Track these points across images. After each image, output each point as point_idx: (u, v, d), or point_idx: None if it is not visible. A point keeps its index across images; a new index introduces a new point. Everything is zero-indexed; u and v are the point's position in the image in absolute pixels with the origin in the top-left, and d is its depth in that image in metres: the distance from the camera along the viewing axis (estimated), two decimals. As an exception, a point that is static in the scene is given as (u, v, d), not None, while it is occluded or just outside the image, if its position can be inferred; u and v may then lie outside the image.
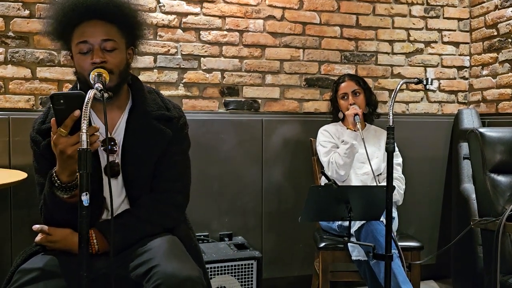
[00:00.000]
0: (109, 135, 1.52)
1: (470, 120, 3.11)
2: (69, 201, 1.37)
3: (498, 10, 3.07)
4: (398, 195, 2.48)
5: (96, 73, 1.37)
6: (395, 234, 2.22)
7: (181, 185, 1.59)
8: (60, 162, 1.28)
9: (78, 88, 1.53)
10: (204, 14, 2.83)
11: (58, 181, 1.32)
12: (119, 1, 1.48)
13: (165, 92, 2.76)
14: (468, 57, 3.34)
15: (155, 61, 2.76)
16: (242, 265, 2.41)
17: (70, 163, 1.26)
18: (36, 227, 1.46)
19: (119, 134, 1.53)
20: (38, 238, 1.47)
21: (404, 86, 3.22)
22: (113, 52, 1.46)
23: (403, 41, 3.21)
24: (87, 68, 1.42)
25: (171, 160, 1.57)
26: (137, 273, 1.36)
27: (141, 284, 1.34)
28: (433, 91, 3.29)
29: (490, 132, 2.36)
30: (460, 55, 3.33)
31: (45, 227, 1.45)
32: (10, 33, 2.52)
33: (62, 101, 1.21)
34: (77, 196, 1.35)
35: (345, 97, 2.62)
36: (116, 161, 1.51)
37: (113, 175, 1.50)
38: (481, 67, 3.24)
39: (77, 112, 1.21)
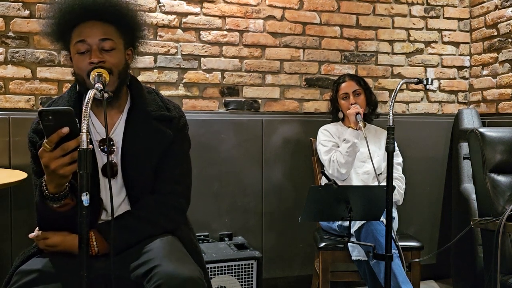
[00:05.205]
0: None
1: (470, 120, 3.11)
2: (59, 210, 1.35)
3: (498, 10, 3.07)
4: (398, 195, 2.48)
5: (96, 73, 1.37)
6: (395, 234, 2.22)
7: (183, 188, 1.59)
8: (46, 174, 1.28)
9: (77, 89, 1.53)
10: (204, 14, 2.82)
11: (46, 191, 1.31)
12: (116, 2, 1.48)
13: (165, 92, 2.76)
14: (468, 57, 3.34)
15: (155, 61, 2.76)
16: (242, 265, 2.41)
17: (54, 176, 1.25)
18: (32, 235, 1.46)
19: (117, 135, 1.53)
20: (37, 242, 1.47)
21: (404, 86, 3.22)
22: (111, 51, 1.46)
23: (403, 41, 3.21)
24: (85, 68, 1.42)
25: (173, 161, 1.57)
26: (137, 274, 1.36)
27: (142, 284, 1.33)
28: (433, 91, 3.29)
29: (490, 132, 2.36)
30: (460, 55, 3.33)
31: (40, 234, 1.44)
32: (10, 33, 2.52)
33: (50, 117, 1.19)
34: (67, 206, 1.35)
35: (346, 97, 2.62)
36: (114, 161, 1.51)
37: (111, 176, 1.50)
38: (481, 67, 3.24)
39: (65, 129, 1.19)
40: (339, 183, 2.40)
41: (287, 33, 2.97)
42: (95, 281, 1.37)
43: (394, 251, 2.05)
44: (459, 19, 3.31)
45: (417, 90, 3.25)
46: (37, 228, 1.47)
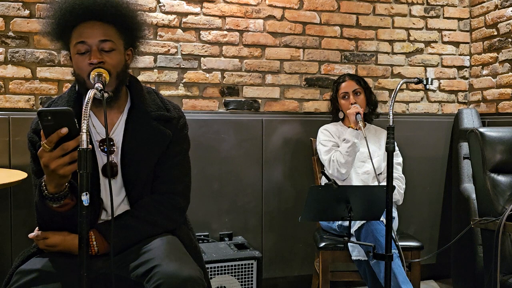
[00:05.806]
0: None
1: (470, 120, 3.11)
2: (59, 210, 1.36)
3: (498, 9, 3.07)
4: (398, 195, 2.48)
5: (96, 73, 1.37)
6: (395, 234, 2.22)
7: (182, 187, 1.59)
8: (46, 174, 1.27)
9: (77, 89, 1.53)
10: (204, 14, 2.82)
11: (46, 191, 1.31)
12: (117, 2, 1.47)
13: (165, 92, 2.76)
14: (468, 57, 3.34)
15: (155, 61, 2.76)
16: (242, 265, 2.41)
17: (54, 176, 1.25)
18: (31, 235, 1.45)
19: (117, 134, 1.53)
20: (37, 242, 1.47)
21: (404, 86, 3.22)
22: (111, 52, 1.46)
23: (403, 41, 3.21)
24: (85, 69, 1.42)
25: (172, 161, 1.57)
26: (137, 273, 1.36)
27: (141, 284, 1.34)
28: (433, 91, 3.29)
29: (490, 132, 2.36)
30: (460, 54, 3.33)
31: (40, 233, 1.44)
32: (10, 33, 2.52)
33: (49, 117, 1.19)
34: (67, 205, 1.35)
35: (346, 96, 2.62)
36: (114, 161, 1.51)
37: (111, 176, 1.50)
38: (481, 66, 3.24)
39: (64, 130, 1.19)
40: (339, 183, 2.40)
41: (287, 33, 2.97)
42: (95, 281, 1.37)
43: (394, 251, 2.05)
44: (459, 19, 3.31)
45: (417, 90, 3.25)
46: (37, 228, 1.47)
